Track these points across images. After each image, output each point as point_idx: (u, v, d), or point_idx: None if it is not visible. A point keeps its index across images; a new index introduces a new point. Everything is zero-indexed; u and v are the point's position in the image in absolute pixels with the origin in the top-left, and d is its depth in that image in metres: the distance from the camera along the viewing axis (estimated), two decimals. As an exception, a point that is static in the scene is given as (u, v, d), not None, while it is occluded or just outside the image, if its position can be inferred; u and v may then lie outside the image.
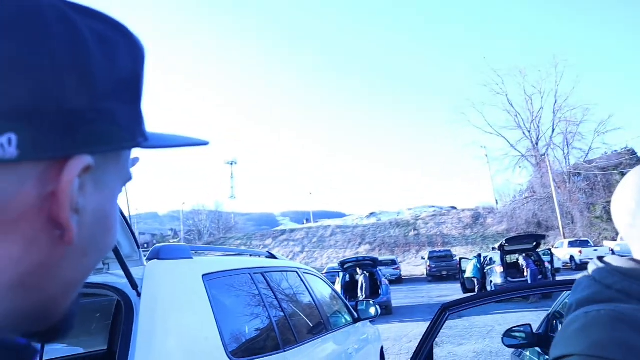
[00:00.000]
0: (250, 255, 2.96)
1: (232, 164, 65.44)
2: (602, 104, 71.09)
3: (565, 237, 31.89)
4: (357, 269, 15.42)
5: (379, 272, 15.80)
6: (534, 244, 15.97)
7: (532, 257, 15.33)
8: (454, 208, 52.21)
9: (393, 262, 29.73)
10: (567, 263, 26.50)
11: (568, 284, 3.67)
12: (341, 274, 15.53)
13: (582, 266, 22.82)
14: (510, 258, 16.19)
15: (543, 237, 18.13)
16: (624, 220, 0.71)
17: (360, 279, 15.02)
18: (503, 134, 43.79)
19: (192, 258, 2.14)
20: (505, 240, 16.12)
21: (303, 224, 59.75)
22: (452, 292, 17.74)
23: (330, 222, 55.53)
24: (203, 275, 2.05)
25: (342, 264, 16.10)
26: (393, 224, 49.43)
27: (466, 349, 8.28)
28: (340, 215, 64.68)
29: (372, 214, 55.72)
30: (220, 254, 2.66)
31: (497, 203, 47.17)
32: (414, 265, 36.84)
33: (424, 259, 31.87)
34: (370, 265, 15.79)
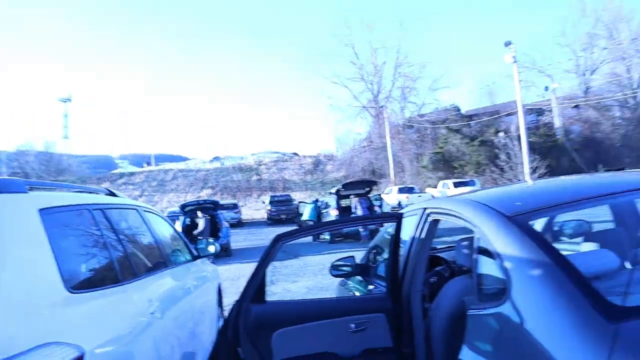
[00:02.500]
0: (90, 193, 2.96)
1: (66, 101, 58.74)
2: (436, 63, 78.65)
3: (395, 184, 35.60)
4: (198, 212, 15.53)
5: (220, 215, 16.11)
6: (367, 189, 17.66)
7: (364, 202, 16.97)
8: (296, 154, 54.28)
9: (234, 206, 30.31)
10: (395, 207, 29.69)
11: (382, 217, 4.34)
12: (182, 217, 15.51)
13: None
14: (345, 202, 17.72)
15: (375, 183, 20.01)
16: None
17: (201, 222, 15.18)
18: (348, 86, 46.24)
19: (27, 192, 2.13)
20: (342, 185, 17.54)
21: (143, 167, 57.26)
22: (291, 234, 18.81)
23: (172, 165, 53.98)
24: (39, 210, 2.07)
25: (182, 207, 16.07)
26: (236, 168, 49.79)
27: (299, 285, 9.10)
28: (183, 159, 62.99)
29: (215, 158, 55.32)
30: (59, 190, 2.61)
31: (337, 151, 50.25)
32: (255, 209, 37.92)
33: (264, 203, 33.02)
34: (211, 208, 16.01)
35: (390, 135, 38.85)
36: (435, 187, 32.98)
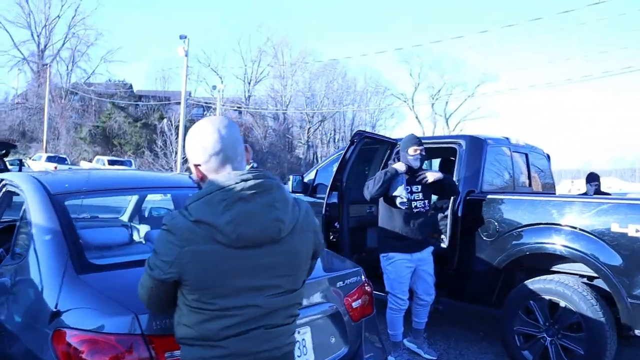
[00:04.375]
0: None
1: None
2: (116, 35, 77.62)
3: (47, 151, 34.98)
4: None
5: None
6: (3, 151, 18.17)
7: (-3, 164, 17.42)
8: None
9: None
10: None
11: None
12: None
13: None
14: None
15: (13, 146, 20.16)
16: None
17: None
18: (8, 29, 42.71)
19: None
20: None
21: None
22: None
23: None
24: None
25: None
26: None
27: None
28: None
29: None
30: None
31: (-17, 101, 45.53)
32: None
33: None
34: None
35: (50, 97, 37.94)
36: (90, 161, 33.82)
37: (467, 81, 65.15)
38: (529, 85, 67.65)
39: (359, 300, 2.49)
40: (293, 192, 5.54)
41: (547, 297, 3.82)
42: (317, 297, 2.28)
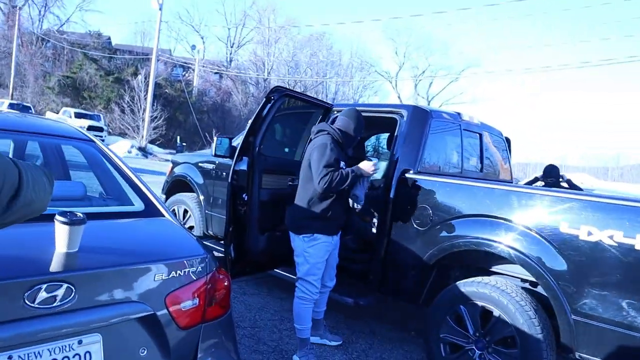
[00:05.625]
0: None
1: None
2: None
3: (13, 99, 33.88)
4: None
5: None
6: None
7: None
8: None
9: None
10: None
11: None
12: None
13: None
14: None
15: None
16: None
17: None
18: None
19: None
20: None
21: None
22: None
23: None
24: None
25: None
26: None
27: None
28: None
29: None
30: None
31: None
32: None
33: None
34: None
35: (19, 42, 36.35)
36: (57, 112, 32.90)
37: (452, 65, 64.25)
38: (524, 69, 66.88)
39: (196, 300, 1.81)
40: (216, 155, 4.82)
41: (479, 303, 3.23)
42: (116, 294, 1.61)
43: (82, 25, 43.06)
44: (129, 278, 1.64)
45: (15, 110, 28.98)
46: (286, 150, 4.76)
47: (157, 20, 29.67)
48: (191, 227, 5.73)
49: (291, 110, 4.26)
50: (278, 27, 47.81)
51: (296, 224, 3.50)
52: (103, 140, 28.96)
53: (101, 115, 32.84)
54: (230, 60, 49.54)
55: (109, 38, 45.17)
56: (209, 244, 5.32)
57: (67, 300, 1.46)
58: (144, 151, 28.04)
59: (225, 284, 1.97)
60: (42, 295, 1.41)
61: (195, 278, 1.82)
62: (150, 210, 2.18)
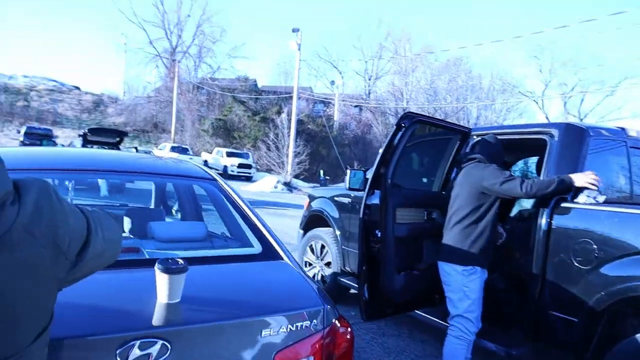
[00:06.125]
0: None
1: None
2: (240, 32, 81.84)
3: (174, 142, 37.57)
4: None
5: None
6: (117, 139, 19.41)
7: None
8: (77, 88, 52.09)
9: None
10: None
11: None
12: None
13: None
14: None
15: (126, 134, 21.61)
16: None
17: None
18: (146, 28, 46.29)
19: None
20: (88, 129, 18.97)
21: None
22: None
23: None
24: None
25: None
26: (1, 88, 46.15)
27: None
28: None
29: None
30: None
31: (124, 95, 49.88)
32: (12, 137, 36.27)
33: (19, 132, 32.00)
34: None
35: (179, 91, 40.45)
36: (210, 152, 35.69)
37: (605, 79, 58.44)
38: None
39: (310, 358, 1.60)
40: (350, 189, 4.67)
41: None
42: (218, 352, 1.45)
43: (231, 71, 46.78)
44: (233, 334, 1.48)
45: (176, 152, 32.10)
46: (424, 180, 4.46)
47: (296, 59, 31.03)
48: (328, 263, 5.62)
49: (427, 138, 3.97)
50: (414, 56, 47.54)
51: (456, 255, 3.19)
52: (251, 177, 30.87)
53: (250, 153, 34.83)
54: (369, 93, 50.22)
55: (255, 80, 48.42)
56: (346, 280, 5.15)
57: (161, 359, 1.33)
58: (289, 186, 29.14)
59: (348, 337, 1.74)
60: (136, 352, 1.30)
61: (309, 333, 1.61)
62: (267, 253, 2.04)
